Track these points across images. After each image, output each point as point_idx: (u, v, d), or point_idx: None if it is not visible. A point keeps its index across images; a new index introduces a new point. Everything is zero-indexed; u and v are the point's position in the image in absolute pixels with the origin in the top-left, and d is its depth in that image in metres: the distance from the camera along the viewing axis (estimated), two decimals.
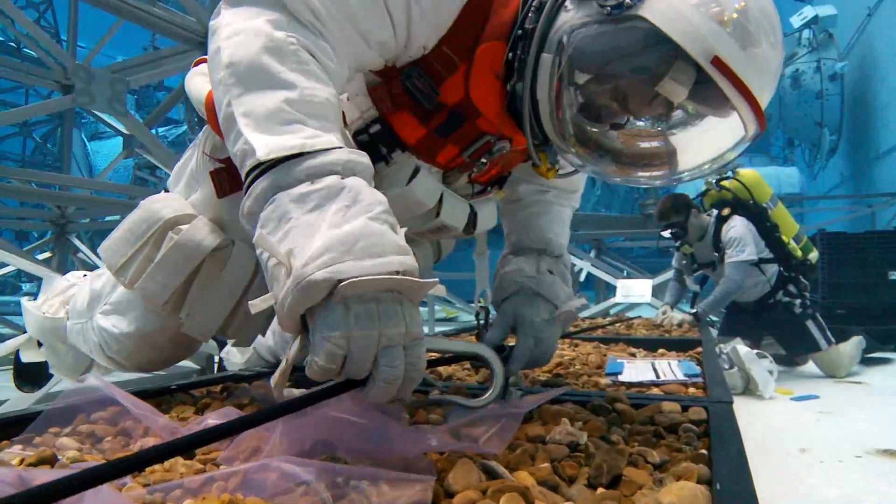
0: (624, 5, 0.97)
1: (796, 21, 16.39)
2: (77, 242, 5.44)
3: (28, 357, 1.68)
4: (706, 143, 1.08)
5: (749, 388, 3.65)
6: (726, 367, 3.61)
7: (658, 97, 1.01)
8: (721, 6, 0.95)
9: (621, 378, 1.75)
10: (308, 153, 0.82)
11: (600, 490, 0.79)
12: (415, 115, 1.19)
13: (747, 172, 4.67)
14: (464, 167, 1.32)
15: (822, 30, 15.58)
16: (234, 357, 1.61)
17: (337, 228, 0.77)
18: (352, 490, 0.65)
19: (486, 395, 1.06)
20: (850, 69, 15.04)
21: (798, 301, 4.44)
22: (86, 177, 13.55)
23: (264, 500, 0.63)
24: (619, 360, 2.01)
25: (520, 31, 1.11)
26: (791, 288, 4.47)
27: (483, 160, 1.30)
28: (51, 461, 0.87)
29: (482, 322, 1.44)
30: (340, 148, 0.85)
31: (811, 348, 4.42)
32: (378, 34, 1.04)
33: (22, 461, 0.87)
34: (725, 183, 4.62)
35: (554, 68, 1.06)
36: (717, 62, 0.94)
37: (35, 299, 1.66)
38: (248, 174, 0.85)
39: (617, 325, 3.61)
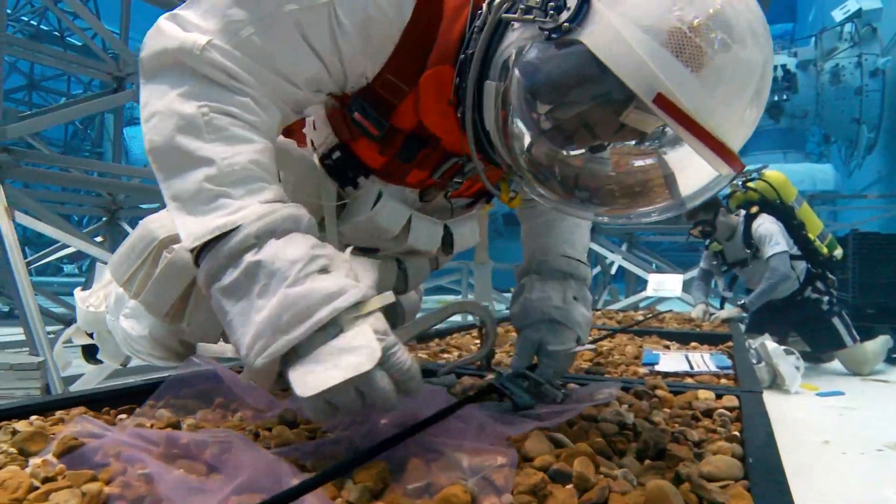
0: (562, 29, 0.85)
1: (838, 15, 16.10)
2: (127, 228, 5.67)
3: (80, 341, 1.80)
4: (681, 175, 0.97)
5: (776, 383, 3.74)
6: (754, 361, 3.71)
7: (626, 127, 0.92)
8: (679, 22, 0.79)
9: (657, 368, 1.88)
10: (229, 232, 0.84)
11: (647, 462, 0.92)
12: (373, 144, 1.14)
13: (773, 173, 4.76)
14: (438, 186, 1.28)
15: (866, 24, 15.29)
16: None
17: (262, 312, 0.80)
18: (448, 456, 0.79)
19: (482, 348, 1.19)
20: (892, 65, 14.74)
21: (826, 298, 4.53)
22: (123, 164, 13.90)
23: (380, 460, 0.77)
24: (654, 352, 2.14)
25: (464, 56, 1.03)
26: (819, 285, 4.56)
27: (457, 180, 1.26)
28: (175, 426, 1.03)
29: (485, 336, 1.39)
30: (256, 216, 0.85)
31: (837, 345, 4.50)
32: (304, 72, 0.99)
33: (152, 426, 1.03)
34: (751, 184, 4.71)
35: (498, 96, 0.97)
36: (661, 100, 0.80)
37: (85, 288, 1.77)
38: (191, 254, 0.90)
39: (650, 317, 3.72)
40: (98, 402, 1.22)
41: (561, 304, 1.37)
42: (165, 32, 0.94)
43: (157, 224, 1.31)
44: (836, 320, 4.50)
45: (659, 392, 1.35)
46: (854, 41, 15.53)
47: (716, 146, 0.82)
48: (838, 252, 4.78)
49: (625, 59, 0.80)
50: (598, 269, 8.63)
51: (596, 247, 7.71)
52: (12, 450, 0.92)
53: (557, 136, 0.98)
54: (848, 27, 15.86)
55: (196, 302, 1.27)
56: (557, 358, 1.33)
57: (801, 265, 4.56)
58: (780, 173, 4.78)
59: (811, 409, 3.38)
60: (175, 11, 0.97)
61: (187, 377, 1.20)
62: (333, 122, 1.17)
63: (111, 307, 1.50)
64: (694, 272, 5.90)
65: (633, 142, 0.96)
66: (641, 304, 7.52)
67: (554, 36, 0.86)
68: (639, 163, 0.99)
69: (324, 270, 0.84)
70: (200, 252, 0.87)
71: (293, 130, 1.26)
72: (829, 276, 4.61)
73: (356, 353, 0.78)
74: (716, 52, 0.79)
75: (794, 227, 4.56)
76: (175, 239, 1.27)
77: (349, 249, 0.92)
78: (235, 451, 0.81)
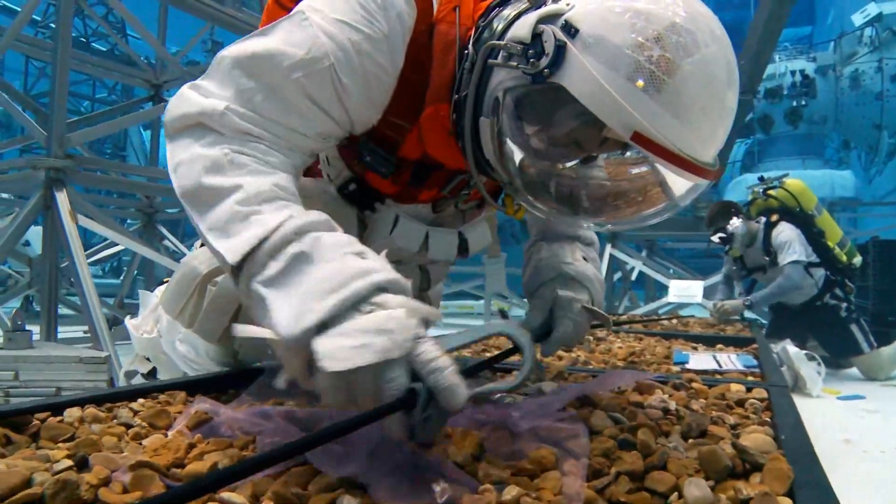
0: (543, 75, 0.95)
1: (858, 19, 16.10)
2: (163, 230, 5.89)
3: (143, 368, 1.82)
4: (668, 181, 1.06)
5: (797, 386, 3.85)
6: (776, 365, 3.83)
7: (610, 140, 1.01)
8: (647, 65, 0.88)
9: (688, 366, 2.02)
10: (266, 238, 0.89)
11: (691, 440, 1.07)
12: (383, 174, 1.25)
13: (793, 182, 4.89)
14: (449, 198, 1.40)
15: (886, 28, 15.27)
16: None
17: (300, 287, 0.84)
18: (526, 430, 0.94)
19: (519, 374, 1.10)
20: None
21: (844, 305, 4.66)
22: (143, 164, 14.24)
23: (472, 430, 0.92)
24: (684, 352, 2.27)
25: (456, 97, 1.14)
26: (837, 291, 4.68)
27: (465, 192, 1.38)
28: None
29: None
30: (291, 217, 0.90)
31: (854, 351, 4.62)
32: (315, 128, 1.08)
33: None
34: (772, 192, 4.84)
35: (493, 130, 1.07)
36: (637, 137, 0.89)
37: (135, 316, 1.82)
38: (232, 274, 0.95)
39: (674, 321, 3.85)
40: (192, 387, 1.36)
41: (570, 259, 1.44)
42: (187, 99, 1.04)
43: (198, 261, 1.43)
44: (853, 327, 4.62)
45: (694, 385, 1.48)
46: (875, 45, 15.53)
47: (689, 167, 0.92)
48: (857, 260, 4.91)
49: (600, 99, 0.89)
50: (618, 274, 8.74)
51: (617, 253, 7.84)
52: (144, 423, 1.08)
53: (550, 158, 1.10)
54: (868, 31, 15.85)
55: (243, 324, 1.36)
56: (573, 311, 1.36)
57: (820, 272, 4.68)
58: (800, 182, 4.91)
59: (833, 411, 3.50)
60: (195, 81, 1.07)
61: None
62: (346, 158, 1.29)
63: (163, 331, 1.55)
64: (714, 278, 6.03)
65: (619, 152, 1.07)
66: (661, 311, 7.63)
67: (539, 80, 0.96)
68: (625, 173, 1.10)
69: (361, 255, 0.88)
70: (241, 265, 0.91)
71: (309, 167, 1.33)
72: (848, 283, 4.74)
73: (387, 335, 0.77)
74: (681, 65, 0.88)
75: (814, 235, 4.69)
76: (217, 272, 1.39)
77: (384, 253, 0.94)
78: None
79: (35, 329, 3.48)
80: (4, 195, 6.11)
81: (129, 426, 1.05)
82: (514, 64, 1.00)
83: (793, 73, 16.54)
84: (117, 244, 4.87)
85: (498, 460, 0.83)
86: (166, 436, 0.99)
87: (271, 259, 0.88)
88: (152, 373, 1.83)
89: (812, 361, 3.95)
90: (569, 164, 1.11)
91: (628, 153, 1.07)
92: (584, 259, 1.48)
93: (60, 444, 0.94)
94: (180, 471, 0.82)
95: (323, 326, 0.80)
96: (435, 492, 0.71)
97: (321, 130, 1.09)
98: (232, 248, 0.90)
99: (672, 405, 1.24)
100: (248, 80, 1.03)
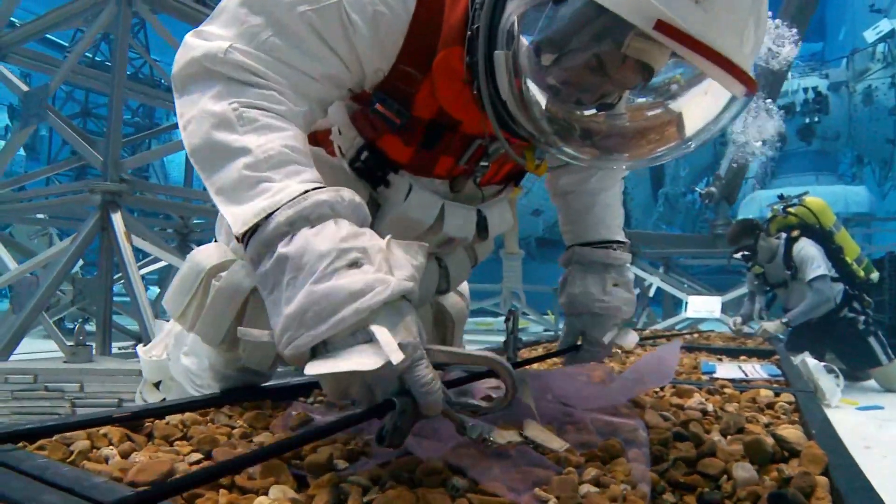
0: None
1: (871, 35, 16.21)
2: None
3: (151, 398, 1.75)
4: (696, 108, 1.03)
5: (816, 398, 3.96)
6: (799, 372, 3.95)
7: (631, 60, 0.96)
8: None
9: (716, 375, 2.15)
10: (268, 216, 0.87)
11: (730, 436, 1.20)
12: (398, 136, 1.20)
13: (813, 199, 5.06)
14: (466, 173, 1.32)
15: None
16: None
17: (289, 306, 0.82)
18: (590, 422, 1.09)
19: (495, 402, 0.96)
20: None
21: (862, 318, 4.79)
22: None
23: (549, 426, 1.07)
24: (710, 363, 2.41)
25: (470, 32, 1.09)
26: (855, 305, 4.82)
27: (483, 163, 1.30)
28: None
29: (510, 329, 1.45)
30: (288, 203, 0.87)
31: (873, 363, 4.75)
32: (324, 69, 1.04)
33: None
34: (791, 209, 5.00)
35: (509, 63, 1.02)
36: (661, 26, 0.85)
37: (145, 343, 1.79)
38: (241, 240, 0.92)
39: (695, 335, 3.98)
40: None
41: (601, 296, 1.56)
42: (190, 46, 1.00)
43: (203, 255, 1.33)
44: (872, 339, 4.75)
45: (726, 390, 1.62)
46: (887, 61, 15.63)
47: (724, 63, 0.87)
48: (874, 275, 5.05)
49: None
50: (637, 291, 8.85)
51: (636, 270, 7.96)
52: (245, 425, 1.21)
53: (570, 88, 1.02)
54: (881, 47, 15.95)
55: (249, 325, 1.26)
56: (596, 344, 1.56)
57: (839, 287, 4.82)
58: (820, 199, 5.08)
59: (852, 421, 3.61)
60: (199, 28, 1.04)
61: None
62: (358, 124, 1.24)
63: (172, 350, 1.51)
64: (730, 294, 6.16)
65: (643, 83, 1.01)
66: (678, 326, 7.73)
67: None
68: (655, 104, 1.05)
69: (354, 264, 0.83)
70: (248, 237, 0.89)
71: (320, 141, 1.31)
72: (866, 297, 4.87)
73: (367, 352, 0.80)
74: None
75: (833, 251, 4.84)
76: (222, 267, 1.30)
77: (388, 238, 0.90)
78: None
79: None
80: (39, 215, 6.32)
81: (231, 427, 1.18)
82: None
83: (805, 90, 16.67)
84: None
85: (573, 449, 0.97)
86: (272, 434, 1.13)
87: (266, 253, 0.87)
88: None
89: (831, 374, 4.05)
90: (592, 103, 1.05)
91: (650, 82, 1.01)
92: (616, 285, 1.58)
93: (179, 442, 1.06)
94: (301, 461, 0.93)
95: (320, 345, 0.83)
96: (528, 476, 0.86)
97: (330, 72, 1.05)
98: (238, 218, 0.89)
99: (710, 407, 1.38)
100: (255, 16, 0.99)
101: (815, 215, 4.95)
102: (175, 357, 1.48)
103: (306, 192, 0.88)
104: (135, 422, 1.12)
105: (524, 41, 1.00)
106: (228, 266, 1.29)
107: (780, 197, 5.28)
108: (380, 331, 0.80)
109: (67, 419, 1.08)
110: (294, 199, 0.87)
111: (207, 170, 0.95)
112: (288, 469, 0.88)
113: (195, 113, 0.96)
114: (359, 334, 0.81)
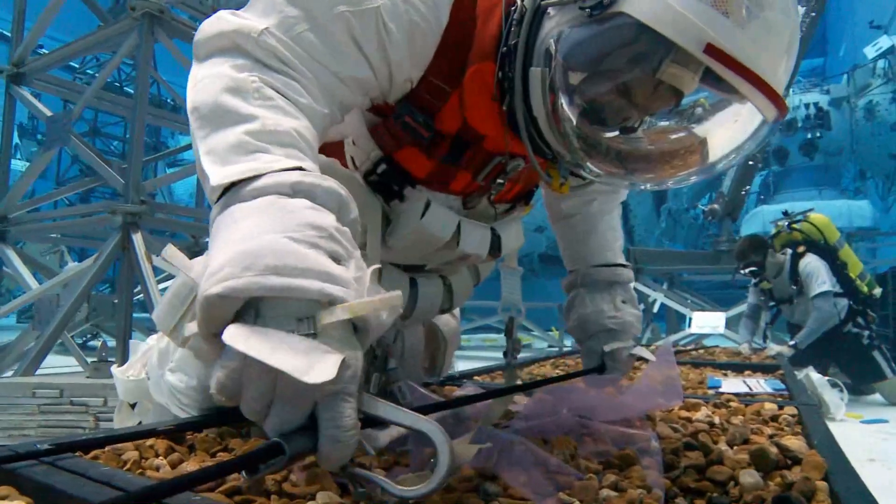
0: (603, 4, 0.93)
1: (871, 52, 16.36)
2: None
3: (122, 420, 1.65)
4: (724, 133, 1.03)
5: (821, 411, 4.02)
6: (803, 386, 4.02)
7: (663, 86, 0.97)
8: None
9: (721, 390, 2.22)
10: (260, 175, 0.78)
11: (736, 447, 1.28)
12: (418, 149, 1.19)
13: (818, 216, 5.16)
14: (481, 190, 1.32)
15: None
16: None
17: (248, 242, 0.69)
18: (602, 432, 1.16)
19: (429, 482, 0.72)
20: None
21: (866, 332, 4.86)
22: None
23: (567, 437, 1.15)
24: (716, 378, 2.48)
25: (505, 48, 1.10)
26: (859, 320, 4.89)
27: (499, 181, 1.30)
28: None
29: (508, 348, 1.54)
30: (299, 169, 0.80)
31: (877, 377, 4.82)
32: (354, 73, 1.02)
33: None
34: (796, 226, 5.10)
35: (545, 81, 1.03)
36: (711, 50, 0.87)
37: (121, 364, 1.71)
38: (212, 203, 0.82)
39: (700, 351, 4.05)
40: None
41: (613, 312, 1.60)
42: (224, 19, 0.96)
43: (196, 270, 1.27)
44: (876, 353, 4.83)
45: (732, 404, 1.69)
46: (888, 77, 15.76)
47: (764, 88, 0.90)
48: (877, 290, 5.14)
49: (670, 18, 0.88)
50: (641, 306, 8.92)
51: (640, 286, 8.03)
52: None
53: (604, 109, 1.03)
54: (881, 63, 16.10)
55: None
56: (620, 358, 1.58)
57: (843, 302, 4.90)
58: (824, 216, 5.19)
59: (857, 434, 3.68)
60: (234, 10, 0.99)
61: None
62: (377, 136, 1.20)
63: (153, 368, 1.44)
64: (734, 310, 6.22)
65: (670, 106, 1.01)
66: (682, 341, 7.78)
67: (595, 12, 0.94)
68: (684, 127, 1.05)
69: (336, 258, 0.73)
70: (223, 196, 0.80)
71: (330, 153, 1.24)
72: (870, 312, 4.95)
73: (303, 353, 0.63)
74: (751, 8, 0.88)
75: (837, 267, 4.95)
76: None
77: (374, 266, 0.78)
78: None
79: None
80: (53, 234, 6.43)
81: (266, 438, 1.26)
82: None
83: (807, 105, 16.81)
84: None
85: (591, 457, 1.05)
86: None
87: (251, 198, 0.76)
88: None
89: (835, 388, 4.12)
90: (607, 129, 1.06)
91: (680, 105, 1.02)
92: (624, 302, 1.62)
93: (222, 453, 1.12)
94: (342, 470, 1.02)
95: (248, 310, 0.68)
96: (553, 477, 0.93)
97: (359, 76, 1.03)
98: (222, 172, 0.79)
99: (716, 419, 1.45)
100: (293, 7, 0.96)
101: (821, 231, 5.06)
102: (156, 375, 1.42)
103: (302, 170, 0.80)
104: (177, 434, 1.18)
105: (561, 57, 1.01)
106: None
107: (785, 213, 5.38)
108: (332, 330, 0.67)
109: (115, 432, 1.16)
110: (304, 171, 0.80)
111: (205, 128, 0.86)
112: (329, 475, 0.93)
113: (213, 72, 0.90)
114: (304, 323, 0.66)
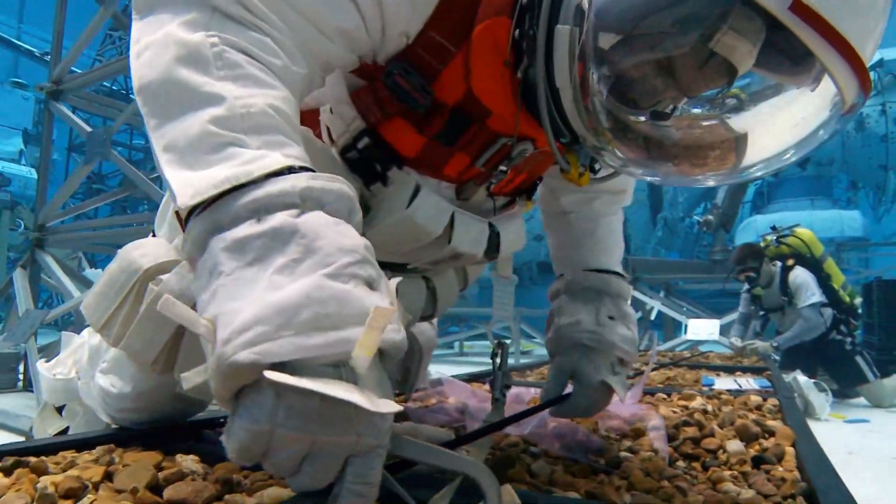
0: None
1: None
2: None
3: (45, 425, 1.44)
4: (784, 122, 0.80)
5: (807, 412, 4.31)
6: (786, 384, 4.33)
7: (715, 59, 0.75)
8: None
9: (714, 388, 2.50)
10: (249, 183, 0.61)
11: (726, 428, 1.56)
12: (409, 121, 0.97)
13: (804, 231, 5.53)
14: (480, 178, 1.10)
15: (888, 73, 15.83)
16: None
17: (277, 291, 0.57)
18: (615, 415, 1.44)
19: None
20: None
21: (848, 339, 5.19)
22: None
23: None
24: (710, 377, 2.76)
25: (525, 1, 0.90)
26: (842, 328, 5.23)
27: (502, 168, 1.07)
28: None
29: (498, 363, 1.34)
30: (297, 170, 0.64)
31: (860, 380, 5.15)
32: (339, 22, 0.82)
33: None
34: (784, 240, 5.45)
35: (574, 42, 0.83)
36: (798, 7, 0.68)
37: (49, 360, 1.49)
38: (185, 216, 0.64)
39: (696, 355, 4.34)
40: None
41: (593, 326, 1.29)
42: None
43: (140, 252, 1.05)
44: (858, 358, 5.17)
45: (723, 396, 1.98)
46: (877, 90, 16.09)
47: (853, 58, 0.71)
48: (858, 300, 5.50)
49: None
50: (638, 314, 9.21)
51: (638, 294, 8.32)
52: None
53: (644, 81, 0.82)
54: (871, 76, 16.46)
55: (192, 345, 1.01)
56: (588, 385, 1.26)
57: (829, 311, 5.22)
58: (809, 231, 5.54)
59: (839, 432, 3.98)
60: None
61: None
62: (360, 103, 0.98)
63: (83, 368, 1.26)
64: (728, 318, 6.54)
65: (721, 86, 0.78)
66: (678, 348, 8.04)
67: None
68: (723, 116, 0.81)
69: (370, 284, 0.61)
70: (198, 212, 0.63)
71: (304, 122, 0.97)
72: (852, 321, 5.29)
73: (353, 388, 0.55)
74: None
75: (822, 279, 5.26)
76: (162, 269, 1.02)
77: (395, 280, 0.68)
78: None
79: None
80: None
81: None
82: None
83: None
84: None
85: (610, 431, 1.33)
86: None
87: (253, 217, 0.61)
88: (64, 433, 1.43)
89: (822, 392, 4.41)
90: (641, 110, 0.85)
91: (732, 88, 0.78)
92: (612, 318, 1.32)
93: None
94: None
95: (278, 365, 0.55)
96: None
97: (346, 28, 0.83)
98: (192, 184, 0.62)
99: (709, 407, 1.73)
100: None
101: (807, 245, 5.41)
102: (87, 376, 1.23)
103: (292, 168, 0.64)
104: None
105: (593, 18, 0.81)
106: (171, 268, 1.01)
107: (773, 228, 5.73)
108: (368, 371, 0.57)
109: (34, 442, 1.07)
110: (310, 175, 0.64)
111: (158, 115, 0.68)
112: None
113: (157, 37, 0.70)
114: (342, 370, 0.57)
